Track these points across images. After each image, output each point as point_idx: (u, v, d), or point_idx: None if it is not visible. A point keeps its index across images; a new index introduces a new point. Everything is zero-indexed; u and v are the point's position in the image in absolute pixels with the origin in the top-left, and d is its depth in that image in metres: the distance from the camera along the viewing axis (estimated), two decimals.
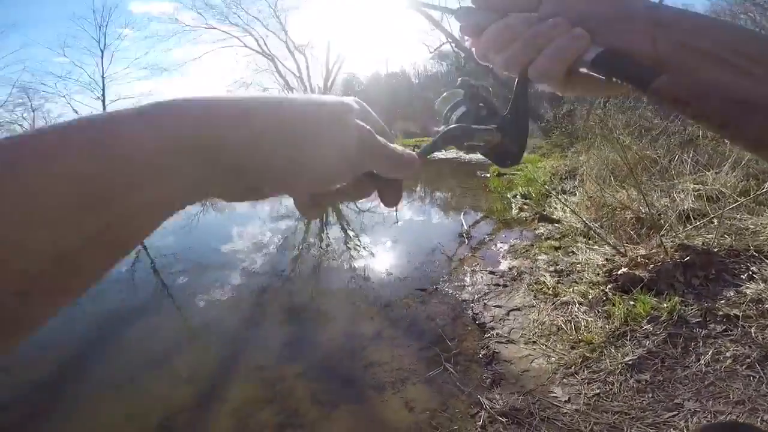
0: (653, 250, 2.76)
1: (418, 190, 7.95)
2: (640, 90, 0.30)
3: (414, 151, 0.32)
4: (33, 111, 14.27)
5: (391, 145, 0.30)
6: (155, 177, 0.20)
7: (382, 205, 0.34)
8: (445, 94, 0.41)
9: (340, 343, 2.61)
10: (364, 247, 4.87)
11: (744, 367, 1.75)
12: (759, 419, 1.51)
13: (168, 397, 2.16)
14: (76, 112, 14.21)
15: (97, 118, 0.20)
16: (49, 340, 3.15)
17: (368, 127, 0.28)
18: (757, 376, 1.68)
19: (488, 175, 7.71)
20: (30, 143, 0.18)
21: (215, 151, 0.22)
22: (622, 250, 2.92)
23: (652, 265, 2.62)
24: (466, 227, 4.78)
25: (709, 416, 1.56)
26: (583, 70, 0.33)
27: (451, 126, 0.35)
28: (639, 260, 2.70)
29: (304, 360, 2.43)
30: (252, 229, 6.53)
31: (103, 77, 13.47)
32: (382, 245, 4.80)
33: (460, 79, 0.41)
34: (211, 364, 2.47)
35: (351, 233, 5.73)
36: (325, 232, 6.05)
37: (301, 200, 0.29)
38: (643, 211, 3.33)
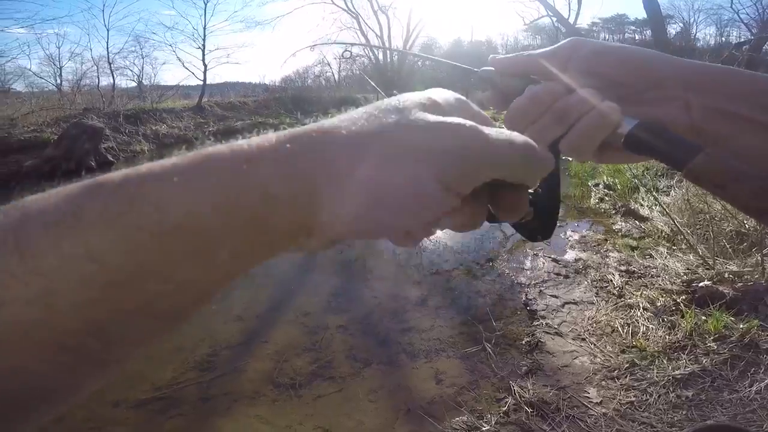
0: (747, 269, 2.70)
1: None
2: (675, 169, 0.32)
3: None
4: (143, 58, 16.51)
5: (507, 133, 0.25)
6: (191, 250, 0.19)
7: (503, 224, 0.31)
8: None
9: (384, 302, 2.94)
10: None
11: None
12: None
13: (217, 332, 2.61)
14: (180, 60, 16.35)
15: (115, 180, 0.19)
16: None
17: (470, 123, 0.23)
18: None
19: (570, 158, 7.40)
20: (35, 214, 0.18)
21: (268, 212, 0.20)
22: (711, 262, 2.87)
23: (740, 284, 2.59)
24: None
25: None
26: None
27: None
28: (726, 276, 2.67)
29: (346, 313, 2.81)
30: None
31: (204, 28, 15.20)
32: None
33: None
34: (262, 305, 2.93)
35: None
36: None
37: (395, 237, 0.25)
38: (748, 225, 3.18)
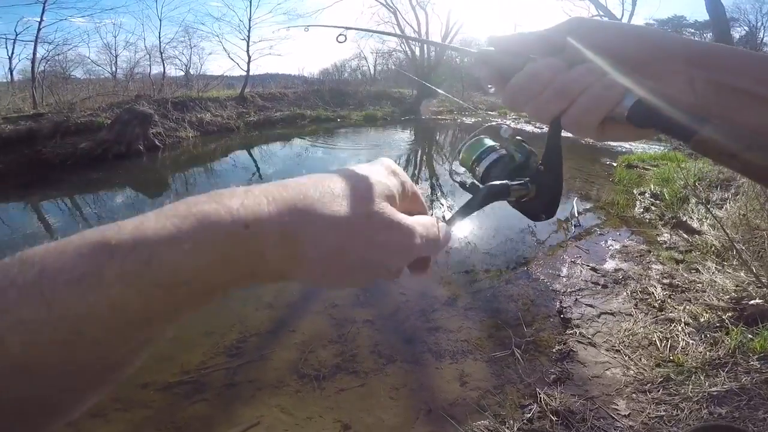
0: None
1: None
2: (682, 141, 0.31)
3: (446, 220, 0.35)
4: (191, 48, 17.12)
5: (421, 223, 0.31)
6: (198, 294, 0.23)
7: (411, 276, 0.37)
8: (470, 141, 0.43)
9: (412, 300, 2.92)
10: (448, 208, 5.06)
11: None
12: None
13: (247, 319, 2.68)
14: (226, 50, 16.91)
15: (127, 242, 0.21)
16: None
17: (407, 228, 0.30)
18: None
19: (615, 164, 7.08)
20: (54, 272, 0.20)
21: (261, 269, 0.25)
22: (764, 280, 2.68)
23: None
24: (576, 213, 4.63)
25: None
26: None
27: (488, 185, 0.37)
28: None
29: (374, 308, 2.81)
30: (345, 164, 7.28)
31: (249, 20, 15.42)
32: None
33: (496, 123, 0.44)
34: (292, 294, 2.97)
35: (436, 193, 5.97)
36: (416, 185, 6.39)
37: None
38: None
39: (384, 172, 0.32)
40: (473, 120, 13.93)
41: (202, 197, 0.25)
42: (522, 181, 0.38)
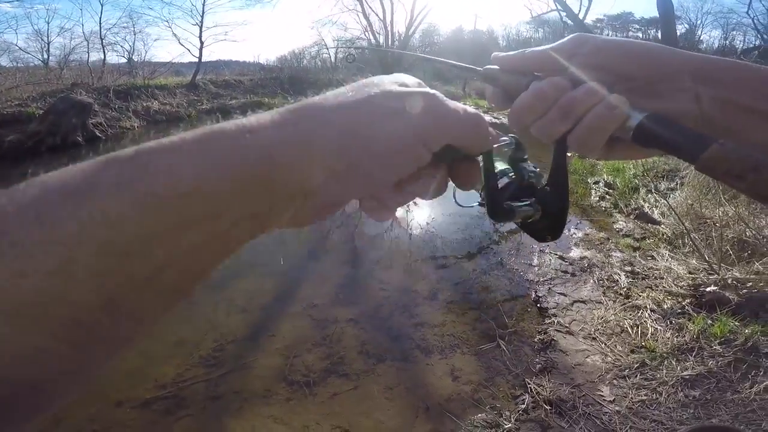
0: (752, 276, 2.76)
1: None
2: (688, 161, 0.31)
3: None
4: (135, 34, 16.09)
5: (462, 106, 0.30)
6: (200, 214, 0.20)
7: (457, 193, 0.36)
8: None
9: (393, 295, 2.91)
10: (416, 203, 5.10)
11: None
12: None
13: (221, 326, 2.54)
14: (176, 36, 16.15)
15: (128, 153, 0.20)
16: None
17: (434, 91, 0.29)
18: None
19: (570, 154, 7.46)
20: (54, 186, 0.18)
21: (271, 174, 0.22)
22: (716, 267, 2.92)
23: (745, 290, 2.65)
24: None
25: None
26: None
27: (493, 209, 0.37)
28: (730, 282, 2.73)
29: (355, 306, 2.77)
30: None
31: (203, 4, 14.81)
32: (438, 205, 4.99)
33: (510, 136, 0.43)
34: (267, 295, 2.87)
35: None
36: None
37: (368, 202, 0.30)
38: (748, 234, 3.25)
39: (399, 76, 0.31)
40: None
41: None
42: (528, 203, 0.37)
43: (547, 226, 0.38)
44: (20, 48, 15.09)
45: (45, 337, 0.18)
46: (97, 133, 8.53)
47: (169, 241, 0.20)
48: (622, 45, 0.36)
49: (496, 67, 0.41)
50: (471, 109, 0.30)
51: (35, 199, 0.18)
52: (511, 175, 0.41)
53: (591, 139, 0.34)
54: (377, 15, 18.81)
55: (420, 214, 4.35)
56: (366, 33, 19.63)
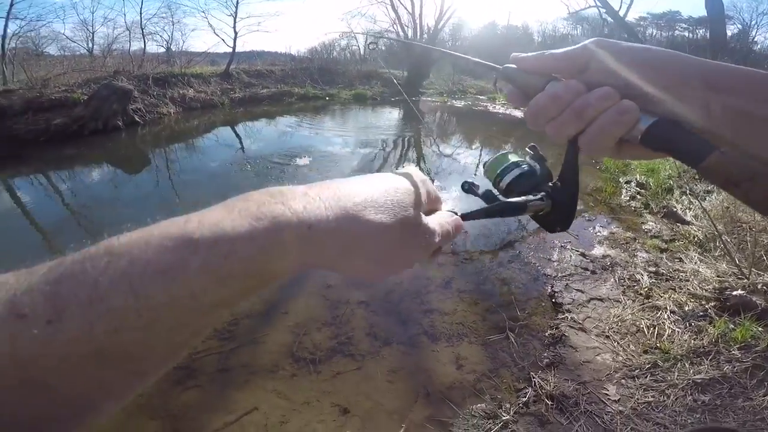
0: None
1: (506, 147, 7.81)
2: (691, 166, 0.33)
3: (459, 214, 0.39)
4: (173, 24, 17.04)
5: (440, 223, 0.37)
6: (255, 286, 0.26)
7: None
8: (496, 156, 0.47)
9: (405, 281, 2.93)
10: (439, 189, 5.12)
11: None
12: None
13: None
14: (211, 26, 18.20)
15: (209, 239, 0.24)
16: (143, 219, 3.98)
17: (429, 228, 0.35)
18: None
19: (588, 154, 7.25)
20: (142, 262, 0.23)
21: (313, 259, 0.29)
22: (745, 272, 2.79)
23: None
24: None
25: None
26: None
27: (507, 201, 0.40)
28: (760, 287, 2.61)
29: (368, 289, 2.81)
30: (334, 148, 7.24)
31: None
32: (453, 194, 4.98)
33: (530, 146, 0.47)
34: None
35: (425, 174, 6.02)
36: (403, 167, 6.47)
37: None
38: None
39: (416, 182, 0.36)
40: (462, 103, 13.90)
41: (266, 196, 0.28)
42: (539, 197, 0.40)
43: (558, 218, 0.41)
44: (67, 37, 15.77)
45: (119, 370, 0.23)
46: (136, 119, 8.88)
47: (233, 302, 0.26)
48: (637, 51, 0.37)
49: (514, 66, 0.43)
50: (448, 224, 0.38)
51: (126, 273, 0.22)
52: (523, 166, 0.45)
53: (601, 141, 0.37)
54: (406, 8, 18.61)
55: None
56: (394, 26, 19.48)
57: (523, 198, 0.40)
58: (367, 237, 0.30)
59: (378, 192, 0.33)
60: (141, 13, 15.15)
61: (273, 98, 12.83)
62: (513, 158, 0.46)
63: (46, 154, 6.58)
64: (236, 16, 14.76)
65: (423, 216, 0.35)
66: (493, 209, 0.40)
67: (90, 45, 15.47)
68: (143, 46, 14.93)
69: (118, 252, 0.23)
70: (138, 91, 9.56)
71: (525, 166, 0.45)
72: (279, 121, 10.25)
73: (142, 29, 14.72)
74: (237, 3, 14.68)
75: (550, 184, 0.42)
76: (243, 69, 13.97)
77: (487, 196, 0.43)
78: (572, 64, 0.39)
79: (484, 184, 0.45)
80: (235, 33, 14.69)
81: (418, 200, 0.35)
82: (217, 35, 17.91)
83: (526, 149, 0.47)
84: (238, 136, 8.83)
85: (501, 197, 0.43)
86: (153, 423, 1.88)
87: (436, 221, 0.36)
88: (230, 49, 14.63)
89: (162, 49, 16.17)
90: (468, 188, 0.44)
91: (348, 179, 0.34)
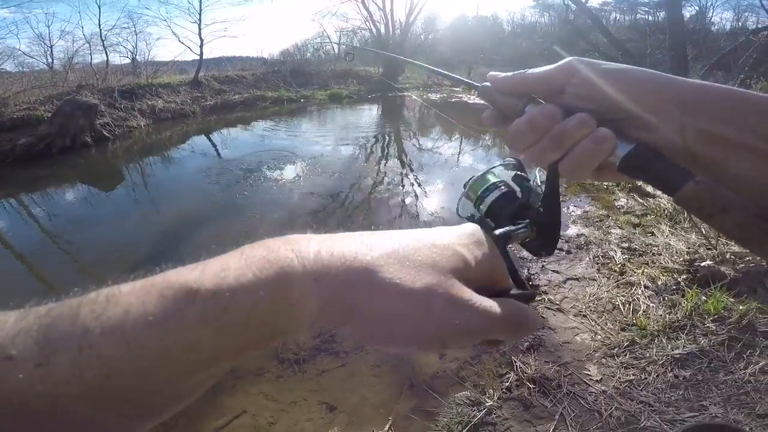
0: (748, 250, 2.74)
1: (486, 139, 7.92)
2: (667, 194, 0.34)
3: (523, 292, 0.35)
4: (136, 34, 16.41)
5: (501, 303, 0.30)
6: (260, 337, 0.25)
7: None
8: (475, 178, 0.45)
9: None
10: (418, 184, 5.16)
11: None
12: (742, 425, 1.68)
13: None
14: (176, 35, 16.84)
15: (208, 290, 0.24)
16: (121, 243, 3.89)
17: (472, 305, 0.29)
18: None
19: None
20: (138, 314, 0.22)
21: (316, 316, 0.27)
22: (713, 242, 2.90)
23: (742, 265, 2.62)
24: (539, 181, 4.79)
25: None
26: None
27: (497, 234, 0.38)
28: (728, 257, 2.70)
29: None
30: (314, 149, 7.20)
31: (200, 2, 15.11)
32: (437, 186, 5.04)
33: (508, 159, 0.46)
34: None
35: (407, 169, 6.08)
36: (385, 163, 6.45)
37: None
38: None
39: (466, 241, 0.32)
40: (438, 96, 14.00)
41: (279, 242, 0.27)
42: (523, 224, 0.40)
43: (541, 244, 0.41)
44: (24, 53, 15.33)
45: (113, 413, 0.23)
46: (105, 133, 8.70)
47: (235, 355, 0.25)
48: (613, 75, 0.37)
49: (489, 85, 0.43)
50: (511, 315, 0.31)
51: (121, 322, 0.22)
52: (502, 188, 0.44)
53: (580, 168, 0.37)
54: (377, 4, 18.71)
55: (410, 198, 4.39)
56: (367, 23, 19.56)
57: (506, 229, 0.39)
58: (374, 298, 0.27)
59: (407, 246, 0.29)
60: (100, 25, 14.90)
61: (246, 104, 12.72)
62: (491, 179, 0.45)
63: (15, 176, 6.42)
64: (200, 23, 14.66)
65: (467, 289, 0.29)
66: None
67: (49, 60, 15.10)
68: (106, 58, 14.68)
69: (115, 300, 0.23)
70: (104, 104, 9.37)
71: (503, 188, 0.44)
72: (254, 126, 10.17)
73: (103, 41, 14.53)
74: (200, 10, 14.57)
75: (534, 209, 0.41)
76: (213, 76, 13.82)
77: (470, 218, 0.44)
78: (549, 86, 0.39)
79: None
80: (201, 40, 14.57)
81: (458, 263, 0.30)
82: (182, 43, 17.68)
83: (507, 161, 0.46)
84: (213, 144, 8.73)
85: (482, 216, 0.43)
86: None
87: (494, 303, 0.30)
88: (198, 57, 14.49)
89: (127, 60, 15.90)
90: (462, 215, 0.46)
91: (388, 232, 0.31)
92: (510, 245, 0.39)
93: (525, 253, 2.68)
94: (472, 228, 0.34)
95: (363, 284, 0.27)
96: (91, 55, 14.91)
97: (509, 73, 0.42)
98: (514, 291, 0.35)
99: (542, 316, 2.48)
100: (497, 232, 0.38)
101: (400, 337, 0.28)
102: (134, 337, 0.22)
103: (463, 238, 0.33)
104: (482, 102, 0.45)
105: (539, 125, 0.38)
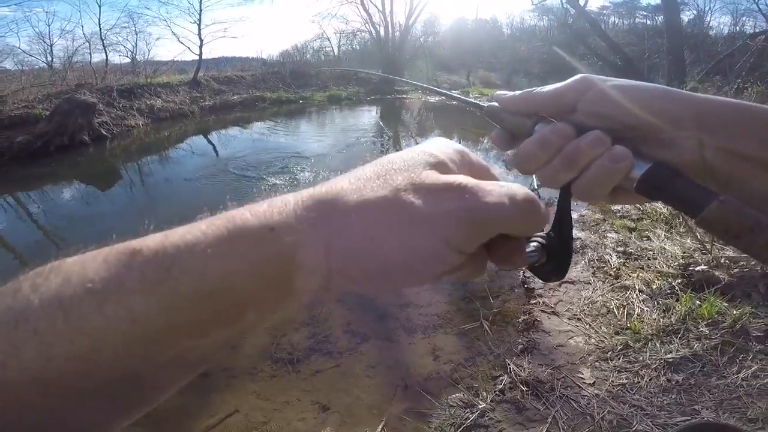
0: (744, 255, 2.74)
1: (485, 142, 7.97)
2: (688, 216, 0.31)
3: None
4: (136, 34, 16.33)
5: (507, 188, 0.26)
6: (224, 310, 0.22)
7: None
8: None
9: None
10: None
11: None
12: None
13: None
14: (175, 35, 16.59)
15: (150, 250, 0.21)
16: (122, 236, 3.92)
17: (472, 183, 0.26)
18: None
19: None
20: (77, 281, 0.20)
21: (291, 276, 0.23)
22: (708, 247, 2.92)
23: (736, 269, 2.64)
24: (536, 185, 4.81)
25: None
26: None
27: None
28: (723, 261, 2.72)
29: None
30: (312, 149, 7.25)
31: (200, 2, 15.03)
32: None
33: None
34: None
35: None
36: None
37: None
38: None
39: (434, 145, 0.30)
40: (437, 99, 14.06)
41: (237, 206, 0.24)
42: (533, 249, 0.38)
43: (553, 269, 0.39)
44: (24, 51, 15.33)
45: (67, 403, 0.20)
46: (103, 132, 8.73)
47: (195, 332, 0.21)
48: (627, 91, 0.35)
49: (497, 105, 0.41)
50: (520, 191, 0.26)
51: (59, 292, 0.20)
52: None
53: (595, 189, 0.35)
54: (377, 6, 18.78)
55: None
56: (366, 25, 19.62)
57: None
58: (347, 222, 0.23)
59: (369, 167, 0.27)
60: (99, 24, 14.87)
61: (245, 104, 12.75)
62: None
63: (13, 174, 6.44)
64: (200, 23, 14.74)
65: (441, 175, 0.26)
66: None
67: (49, 58, 15.11)
68: (105, 58, 14.68)
69: (58, 269, 0.21)
70: (102, 103, 9.40)
71: None
72: (253, 126, 10.21)
73: (102, 40, 14.49)
74: (200, 10, 14.64)
75: (544, 233, 0.39)
76: (212, 76, 13.88)
77: None
78: (560, 104, 0.37)
79: None
80: (201, 40, 14.67)
81: (428, 158, 0.27)
82: (182, 43, 17.76)
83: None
84: (212, 144, 8.76)
85: None
86: (135, 430, 1.87)
87: (487, 182, 0.26)
88: (197, 57, 14.54)
89: (127, 60, 15.91)
90: None
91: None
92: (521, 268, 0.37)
93: None
94: (443, 139, 0.32)
95: (329, 214, 0.24)
96: (90, 54, 14.91)
97: (517, 92, 0.40)
98: None
99: (536, 320, 2.49)
100: None
101: (397, 257, 0.23)
102: (71, 306, 0.19)
103: (438, 144, 0.30)
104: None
105: (551, 144, 0.35)
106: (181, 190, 5.69)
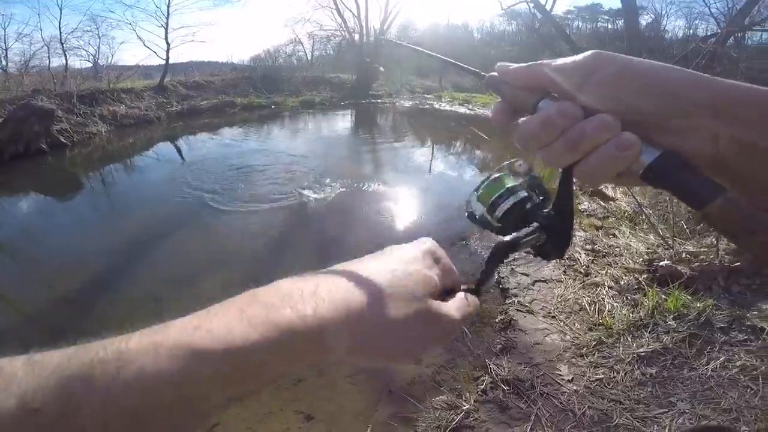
0: (703, 249, 2.89)
1: (457, 145, 8.10)
2: (693, 208, 0.31)
3: (471, 287, 0.41)
4: (99, 38, 15.74)
5: (458, 307, 0.37)
6: (267, 385, 0.29)
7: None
8: (490, 180, 0.44)
9: None
10: (391, 189, 5.22)
11: (747, 378, 1.95)
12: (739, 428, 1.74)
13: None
14: (140, 38, 16.86)
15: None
16: (79, 255, 3.73)
17: (449, 317, 0.35)
18: (755, 389, 1.88)
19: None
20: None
21: (320, 357, 0.31)
22: (670, 242, 3.05)
23: (697, 263, 2.77)
24: (477, 214, 5.00)
25: (695, 419, 1.80)
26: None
27: (497, 243, 0.37)
28: (684, 256, 2.85)
29: None
30: (284, 159, 7.15)
31: (168, 6, 14.60)
32: (410, 193, 5.12)
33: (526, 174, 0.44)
34: (235, 288, 2.91)
35: (379, 171, 6.14)
36: (359, 168, 6.47)
37: None
38: None
39: (428, 262, 0.38)
40: (410, 103, 14.18)
41: (275, 298, 0.31)
42: (533, 230, 0.38)
43: (552, 248, 0.39)
44: None
45: None
46: (63, 140, 8.37)
47: (242, 397, 0.29)
48: (642, 73, 0.33)
49: (497, 74, 0.40)
50: (473, 310, 0.39)
51: (137, 380, 0.24)
52: (520, 194, 0.42)
53: (599, 175, 0.34)
54: (351, 11, 18.81)
55: (384, 204, 4.43)
56: (341, 30, 19.62)
57: (515, 236, 0.38)
58: (376, 335, 0.32)
59: (388, 280, 0.34)
60: (60, 28, 14.32)
61: (214, 110, 12.49)
62: (508, 183, 0.43)
63: None
64: (167, 27, 14.36)
65: (440, 304, 0.35)
66: (488, 267, 0.39)
67: (3, 63, 14.40)
68: (65, 62, 14.10)
69: (127, 358, 0.25)
70: (62, 110, 9.02)
71: (522, 193, 0.42)
72: (222, 133, 9.99)
73: (62, 44, 13.93)
74: (168, 14, 14.28)
75: (545, 211, 0.40)
76: (179, 81, 13.53)
77: (482, 222, 0.44)
78: (568, 81, 0.35)
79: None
80: (168, 44, 14.29)
81: (430, 285, 0.36)
82: (147, 47, 17.21)
83: (517, 166, 0.45)
84: (179, 151, 8.52)
85: (494, 223, 0.43)
86: None
87: (455, 307, 0.37)
88: (164, 61, 14.15)
89: (89, 64, 15.33)
90: (471, 218, 0.46)
91: (359, 264, 0.36)
92: (520, 250, 0.38)
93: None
94: (428, 244, 0.40)
95: (359, 323, 0.31)
96: (49, 58, 14.31)
97: (522, 64, 0.38)
98: (463, 287, 0.40)
99: (513, 319, 2.54)
100: (506, 239, 0.37)
101: (399, 357, 0.34)
102: (152, 392, 0.24)
103: (426, 260, 0.38)
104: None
105: (555, 125, 0.34)
106: (145, 201, 5.49)
